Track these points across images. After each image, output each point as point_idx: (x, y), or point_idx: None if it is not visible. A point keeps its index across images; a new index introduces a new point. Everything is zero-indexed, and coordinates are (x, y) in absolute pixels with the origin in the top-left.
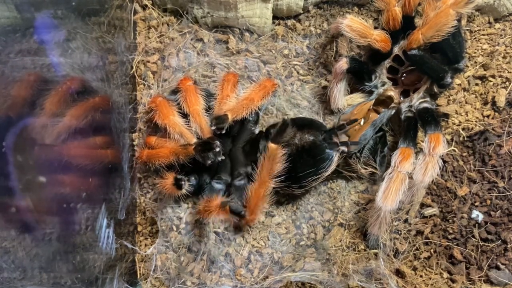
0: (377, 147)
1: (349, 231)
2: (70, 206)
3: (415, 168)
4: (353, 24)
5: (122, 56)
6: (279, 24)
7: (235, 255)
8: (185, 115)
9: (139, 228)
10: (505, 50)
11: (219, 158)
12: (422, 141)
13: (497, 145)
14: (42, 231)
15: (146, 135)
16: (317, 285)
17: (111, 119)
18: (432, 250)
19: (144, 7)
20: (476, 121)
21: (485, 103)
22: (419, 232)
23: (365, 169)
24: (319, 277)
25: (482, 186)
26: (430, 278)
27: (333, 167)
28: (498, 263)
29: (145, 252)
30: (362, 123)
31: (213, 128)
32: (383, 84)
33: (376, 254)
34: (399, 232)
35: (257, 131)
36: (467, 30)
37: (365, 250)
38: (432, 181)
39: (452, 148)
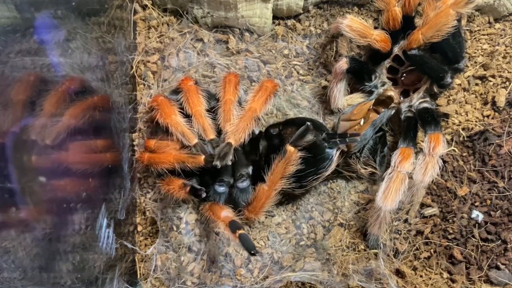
0: (377, 147)
1: (349, 231)
2: (70, 206)
3: (415, 168)
4: (353, 24)
5: (122, 56)
6: (279, 24)
7: (235, 255)
8: (186, 115)
9: (139, 228)
10: (505, 50)
11: (228, 163)
12: (422, 141)
13: (497, 145)
14: (42, 231)
15: (145, 138)
16: (317, 285)
17: (111, 119)
18: (432, 250)
19: (144, 7)
20: (476, 121)
21: (485, 103)
22: (419, 232)
23: (365, 169)
24: (319, 277)
25: (482, 186)
26: (430, 278)
27: (333, 166)
28: (498, 263)
29: (145, 252)
30: (362, 123)
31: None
32: (383, 84)
33: (376, 254)
34: (399, 232)
35: (257, 132)
36: (467, 30)
37: (365, 250)
38: (432, 181)
39: (452, 148)
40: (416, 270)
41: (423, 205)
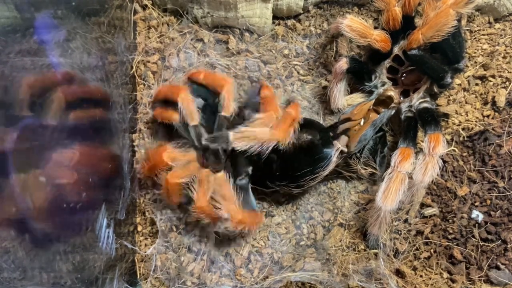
0: (377, 147)
1: (349, 231)
2: (70, 206)
3: (415, 168)
4: (353, 24)
5: (122, 56)
6: (279, 24)
7: (235, 255)
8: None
9: (139, 228)
10: (505, 50)
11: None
12: (422, 141)
13: (497, 145)
14: (42, 231)
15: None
16: (317, 285)
17: (111, 119)
18: (432, 250)
19: (144, 7)
20: (476, 121)
21: (485, 103)
22: (419, 232)
23: (365, 169)
24: (319, 277)
25: (482, 186)
26: (430, 278)
27: (331, 167)
28: (498, 263)
29: (145, 252)
30: (362, 123)
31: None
32: (383, 84)
33: (376, 254)
34: (399, 232)
35: None
36: (467, 30)
37: (365, 250)
38: (432, 181)
39: (452, 148)
40: (416, 270)
41: (423, 205)
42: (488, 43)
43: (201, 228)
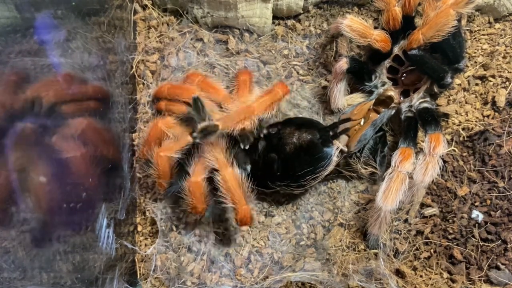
0: (377, 147)
1: (349, 231)
2: (70, 206)
3: (415, 168)
4: (353, 24)
5: (122, 56)
6: (279, 24)
7: (235, 255)
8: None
9: (139, 228)
10: (505, 50)
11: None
12: (422, 141)
13: (497, 145)
14: (42, 231)
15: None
16: (317, 285)
17: (111, 119)
18: (432, 250)
19: (144, 7)
20: (476, 121)
21: (485, 103)
22: (419, 232)
23: (365, 169)
24: (319, 277)
25: (482, 186)
26: (430, 278)
27: (331, 166)
28: (498, 263)
29: (145, 252)
30: (362, 123)
31: (195, 135)
32: (383, 84)
33: (376, 254)
34: (399, 232)
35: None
36: (467, 30)
37: (365, 250)
38: (432, 181)
39: (452, 148)
40: (416, 270)
41: (423, 205)
42: (488, 43)
43: (201, 228)
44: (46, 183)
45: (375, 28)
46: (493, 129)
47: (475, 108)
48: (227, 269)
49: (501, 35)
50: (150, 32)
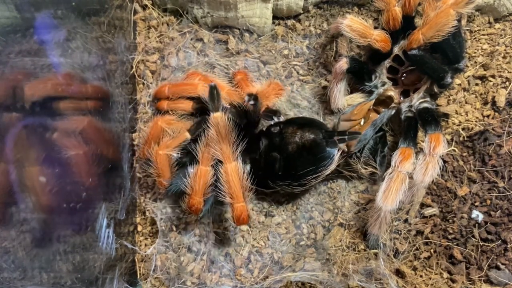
0: (377, 147)
1: (349, 231)
2: (70, 206)
3: (415, 168)
4: (353, 24)
5: (122, 56)
6: (279, 24)
7: (235, 255)
8: None
9: (139, 228)
10: (505, 50)
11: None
12: (422, 141)
13: (497, 145)
14: (42, 231)
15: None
16: (317, 285)
17: (111, 119)
18: (432, 250)
19: (144, 7)
20: (476, 121)
21: (485, 103)
22: (419, 232)
23: (365, 169)
24: (319, 277)
25: (482, 186)
26: (430, 278)
27: (333, 166)
28: (498, 263)
29: (145, 252)
30: (362, 123)
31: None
32: (383, 84)
33: (376, 254)
34: (399, 232)
35: (257, 130)
36: (467, 30)
37: (365, 250)
38: (432, 181)
39: (452, 148)
40: (416, 270)
41: (423, 205)
42: (488, 43)
43: (201, 228)
44: (46, 183)
45: (375, 28)
46: (493, 129)
47: (475, 108)
48: (227, 269)
49: (501, 35)
50: (150, 32)
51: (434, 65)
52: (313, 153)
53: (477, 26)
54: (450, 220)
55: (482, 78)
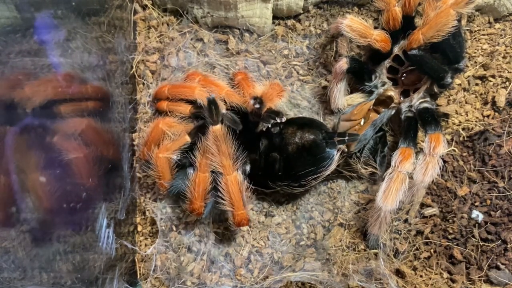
0: (377, 147)
1: (349, 231)
2: (70, 206)
3: (415, 168)
4: (353, 24)
5: (122, 56)
6: (279, 24)
7: (235, 255)
8: None
9: (139, 228)
10: (505, 50)
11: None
12: (422, 141)
13: (497, 145)
14: (42, 231)
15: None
16: (317, 285)
17: (111, 119)
18: (432, 250)
19: (144, 7)
20: (476, 121)
21: (485, 103)
22: (419, 232)
23: (365, 169)
24: (319, 277)
25: (482, 186)
26: (430, 278)
27: (333, 166)
28: (498, 263)
29: (145, 252)
30: (362, 123)
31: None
32: (383, 84)
33: (376, 254)
34: (399, 232)
35: (257, 131)
36: (467, 30)
37: (365, 250)
38: (432, 181)
39: (452, 148)
40: (416, 270)
41: (423, 205)
42: (488, 43)
43: (201, 228)
44: (47, 183)
45: (375, 28)
46: (493, 129)
47: (475, 108)
48: (227, 269)
49: (501, 35)
50: (150, 32)
51: (434, 65)
52: (313, 153)
53: (477, 26)
54: (450, 220)
55: (482, 78)
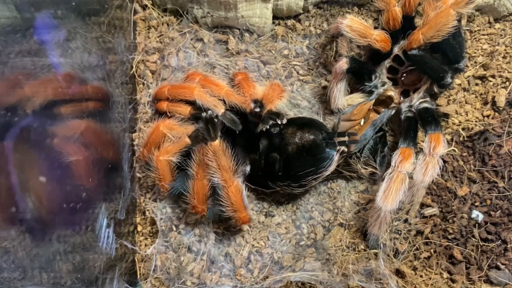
0: (377, 147)
1: (349, 231)
2: (70, 206)
3: (415, 168)
4: (353, 24)
5: (122, 56)
6: (279, 24)
7: (235, 255)
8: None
9: (139, 228)
10: (505, 50)
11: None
12: (422, 141)
13: (497, 145)
14: (42, 231)
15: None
16: (317, 285)
17: (111, 119)
18: (432, 250)
19: (144, 7)
20: (476, 121)
21: (485, 103)
22: (419, 232)
23: (365, 169)
24: (319, 277)
25: (482, 186)
26: (430, 278)
27: (333, 167)
28: (498, 263)
29: (145, 252)
30: (362, 123)
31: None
32: (383, 84)
33: (376, 254)
34: (399, 232)
35: (257, 131)
36: (467, 30)
37: (365, 250)
38: (432, 181)
39: (452, 148)
40: (416, 270)
41: (423, 205)
42: (488, 43)
43: (201, 228)
44: (46, 183)
45: (375, 28)
46: (493, 129)
47: (475, 108)
48: (227, 269)
49: (501, 35)
50: (150, 32)
51: (434, 65)
52: (312, 154)
53: (477, 26)
54: (450, 220)
55: (482, 78)
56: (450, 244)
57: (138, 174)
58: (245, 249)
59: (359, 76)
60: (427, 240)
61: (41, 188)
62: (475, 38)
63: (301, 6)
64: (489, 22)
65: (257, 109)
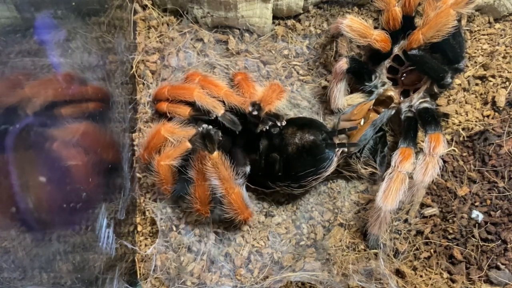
0: (377, 147)
1: (349, 231)
2: (70, 206)
3: (415, 168)
4: (353, 24)
5: (122, 56)
6: (279, 24)
7: (235, 255)
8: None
9: (139, 228)
10: (505, 50)
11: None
12: (422, 141)
13: (497, 145)
14: (42, 231)
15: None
16: (317, 285)
17: (111, 119)
18: (432, 250)
19: (144, 7)
20: (476, 121)
21: (485, 103)
22: (419, 232)
23: (365, 169)
24: (319, 277)
25: (482, 186)
26: (430, 278)
27: (333, 167)
28: (498, 263)
29: (145, 252)
30: (362, 123)
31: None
32: (383, 84)
33: (376, 254)
34: (399, 232)
35: (257, 131)
36: (467, 30)
37: (365, 250)
38: (432, 181)
39: (452, 148)
40: (416, 270)
41: (423, 205)
42: (488, 43)
43: (201, 228)
44: (46, 183)
45: (375, 28)
46: (493, 129)
47: (475, 108)
48: (227, 269)
49: (501, 35)
50: (150, 32)
51: (434, 65)
52: (312, 154)
53: (477, 26)
54: (450, 220)
55: (482, 78)
56: (450, 244)
57: (138, 174)
58: (245, 249)
59: (359, 76)
60: (427, 240)
61: (41, 188)
62: (475, 38)
63: (301, 6)
64: (489, 22)
65: (255, 112)
